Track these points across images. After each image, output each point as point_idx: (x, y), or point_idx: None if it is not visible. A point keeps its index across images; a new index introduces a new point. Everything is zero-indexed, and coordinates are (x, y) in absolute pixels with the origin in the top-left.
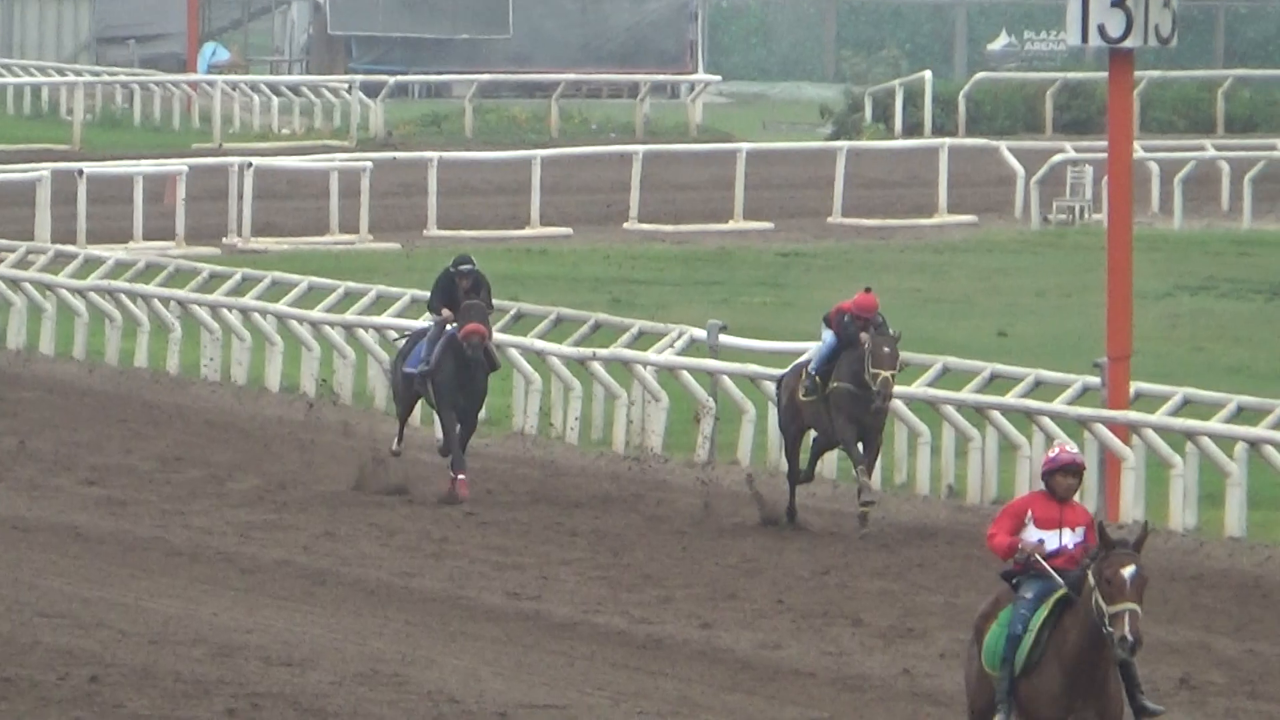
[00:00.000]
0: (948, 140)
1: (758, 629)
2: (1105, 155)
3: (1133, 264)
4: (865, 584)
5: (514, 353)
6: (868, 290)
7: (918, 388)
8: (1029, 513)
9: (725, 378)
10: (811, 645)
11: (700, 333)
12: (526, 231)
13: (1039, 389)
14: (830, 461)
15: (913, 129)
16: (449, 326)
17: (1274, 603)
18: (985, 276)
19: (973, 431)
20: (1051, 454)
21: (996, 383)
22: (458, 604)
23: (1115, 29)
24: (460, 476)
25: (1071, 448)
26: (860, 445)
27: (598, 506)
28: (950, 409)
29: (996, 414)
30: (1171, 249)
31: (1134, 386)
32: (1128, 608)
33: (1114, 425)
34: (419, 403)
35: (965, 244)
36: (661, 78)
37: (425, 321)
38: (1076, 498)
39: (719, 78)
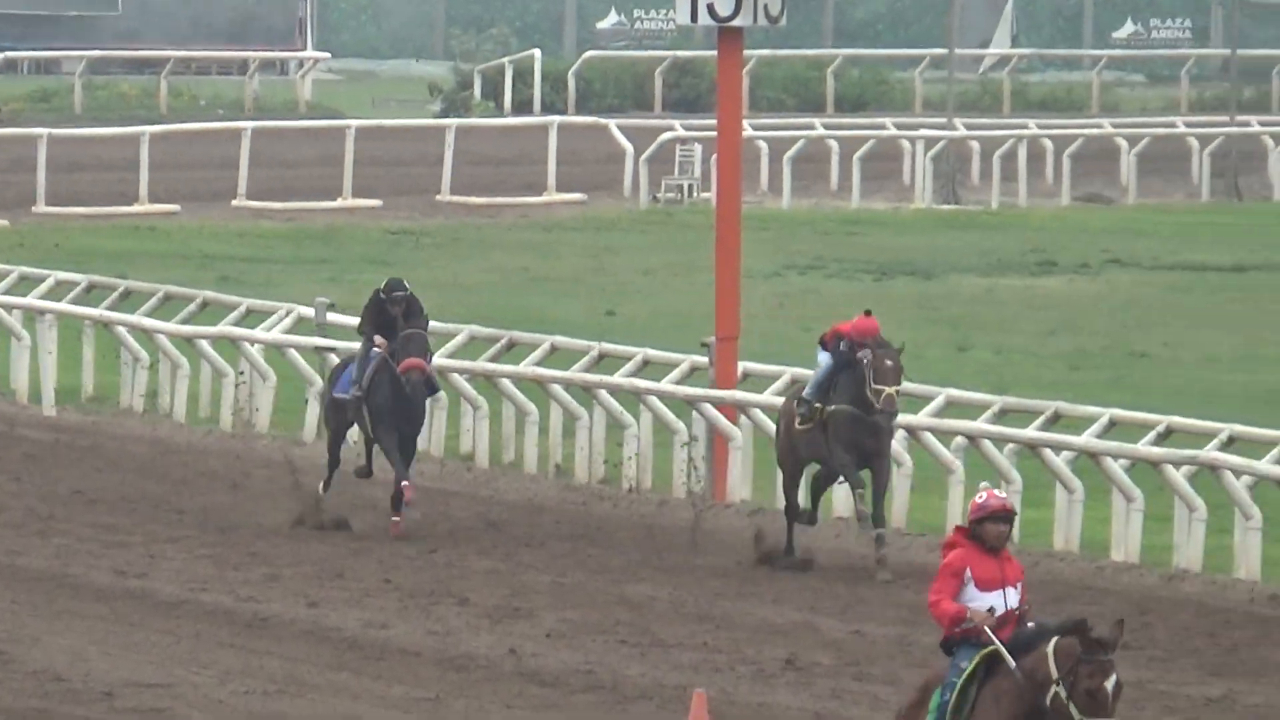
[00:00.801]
0: (557, 118)
1: (365, 608)
2: (714, 134)
3: (741, 243)
4: (473, 563)
5: (121, 330)
6: (868, 313)
7: (525, 366)
8: (968, 571)
9: (333, 355)
10: (418, 624)
11: (308, 310)
12: (135, 208)
13: (647, 368)
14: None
15: (522, 107)
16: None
17: (880, 584)
18: (594, 255)
19: (580, 410)
20: (979, 499)
21: (605, 362)
22: (64, 582)
23: (724, 8)
24: (405, 482)
25: (1000, 493)
26: (868, 475)
27: (205, 484)
28: (558, 388)
29: (604, 393)
30: (780, 228)
31: (741, 366)
32: None
33: (722, 405)
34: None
35: (574, 222)
36: (271, 54)
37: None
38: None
39: (328, 55)
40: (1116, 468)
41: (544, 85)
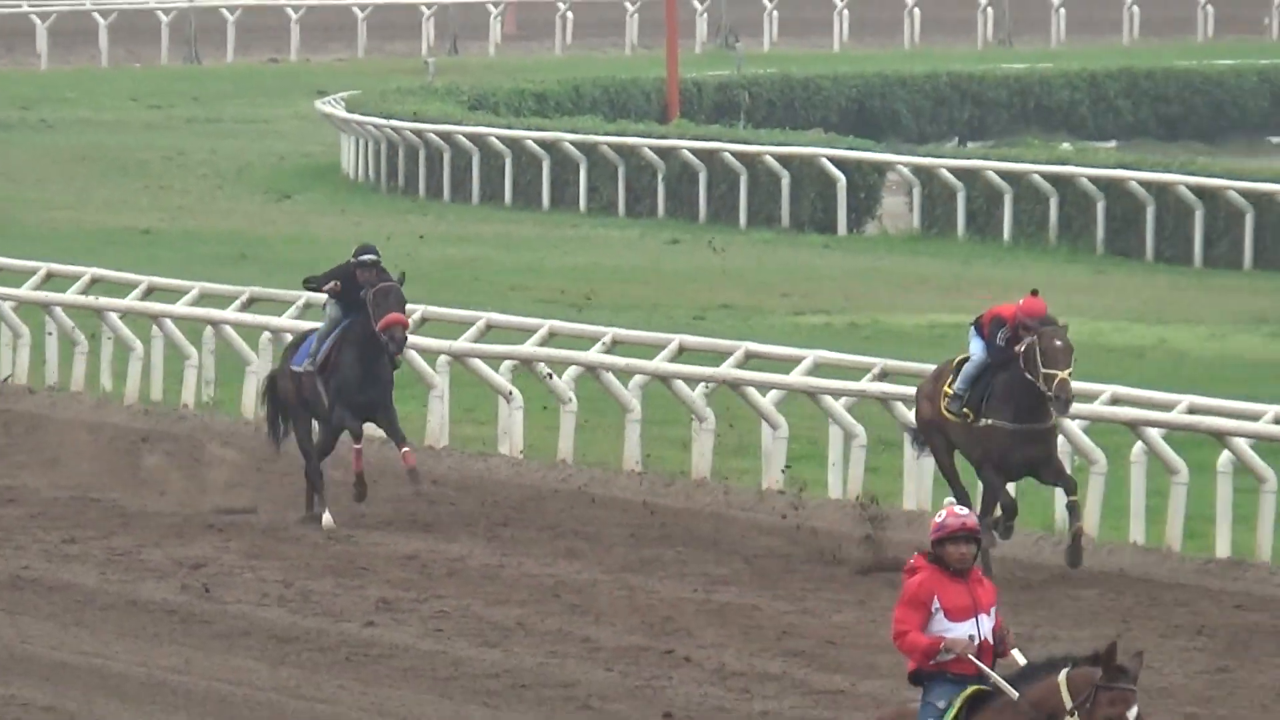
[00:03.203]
0: None
1: None
2: None
3: None
4: None
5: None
6: (1034, 293)
7: None
8: (935, 601)
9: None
10: None
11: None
12: None
13: None
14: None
15: None
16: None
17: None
18: None
19: None
20: (938, 518)
21: None
22: None
23: None
24: (405, 449)
25: (961, 510)
26: (1041, 478)
27: None
28: None
29: None
30: None
31: None
32: None
33: None
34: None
35: None
36: None
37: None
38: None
39: None
40: None
41: None
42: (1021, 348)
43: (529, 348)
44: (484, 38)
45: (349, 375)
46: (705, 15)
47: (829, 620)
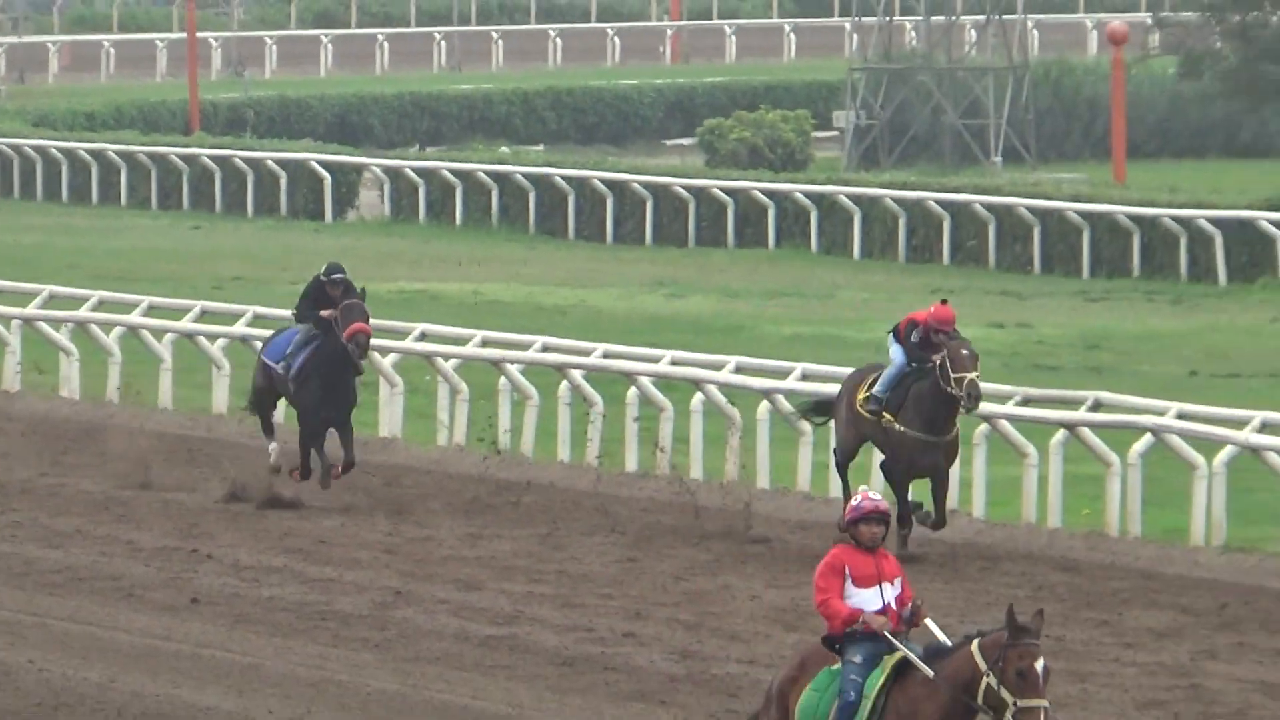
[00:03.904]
0: None
1: None
2: None
3: None
4: None
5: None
6: (944, 302)
7: None
8: (846, 569)
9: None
10: None
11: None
12: None
13: None
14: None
15: None
16: (329, 319)
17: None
18: None
19: None
20: (854, 502)
21: None
22: None
23: None
24: (339, 467)
25: (874, 495)
26: (932, 484)
27: None
28: None
29: None
30: None
31: None
32: (1042, 705)
33: None
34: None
35: None
36: None
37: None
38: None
39: None
40: None
41: None
42: (938, 360)
43: (84, 313)
44: (45, 70)
45: (314, 393)
46: (220, 49)
47: (320, 524)
